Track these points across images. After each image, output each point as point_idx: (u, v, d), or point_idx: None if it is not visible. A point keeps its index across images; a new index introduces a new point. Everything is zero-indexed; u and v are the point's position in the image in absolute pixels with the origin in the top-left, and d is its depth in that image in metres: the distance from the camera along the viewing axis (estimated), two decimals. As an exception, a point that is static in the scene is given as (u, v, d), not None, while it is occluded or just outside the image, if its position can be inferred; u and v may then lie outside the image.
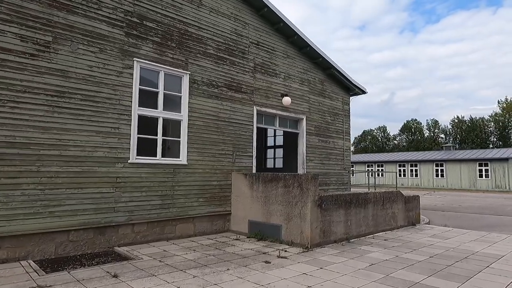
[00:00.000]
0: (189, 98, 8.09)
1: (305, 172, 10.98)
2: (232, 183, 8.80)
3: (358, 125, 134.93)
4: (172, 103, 7.94)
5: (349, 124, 13.09)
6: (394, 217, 9.60)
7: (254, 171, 9.45)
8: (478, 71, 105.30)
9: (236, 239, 7.79)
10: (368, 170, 40.20)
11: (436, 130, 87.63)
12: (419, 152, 42.77)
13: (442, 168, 35.37)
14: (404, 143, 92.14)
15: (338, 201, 7.74)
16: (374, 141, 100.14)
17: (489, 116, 74.54)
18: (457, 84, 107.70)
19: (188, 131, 8.00)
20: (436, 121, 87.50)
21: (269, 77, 10.11)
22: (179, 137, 7.94)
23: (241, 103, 9.25)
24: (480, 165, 33.59)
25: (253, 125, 9.51)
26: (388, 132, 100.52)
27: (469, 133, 74.86)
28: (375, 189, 12.65)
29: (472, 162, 33.90)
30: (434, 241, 7.88)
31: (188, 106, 8.06)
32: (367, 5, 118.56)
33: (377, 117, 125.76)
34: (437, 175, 35.54)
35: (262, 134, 16.44)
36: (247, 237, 8.02)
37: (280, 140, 14.75)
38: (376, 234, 8.64)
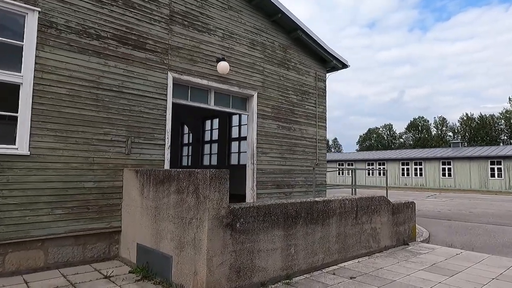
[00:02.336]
0: (38, 50, 5.08)
1: (254, 170, 7.94)
2: (124, 185, 5.80)
3: (364, 124, 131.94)
4: (4, 56, 4.96)
5: (325, 106, 9.99)
6: (375, 235, 6.53)
7: (167, 167, 6.44)
8: (488, 69, 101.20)
9: (106, 277, 4.77)
10: (369, 168, 36.94)
11: (443, 128, 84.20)
12: (424, 149, 39.37)
13: (449, 166, 31.98)
14: (411, 141, 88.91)
15: (271, 216, 4.69)
16: (379, 140, 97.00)
17: (499, 113, 70.82)
18: (466, 82, 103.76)
19: (34, 102, 5.01)
20: (444, 118, 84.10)
21: (197, 33, 7.08)
22: (17, 111, 4.95)
23: (146, 67, 6.24)
24: (492, 163, 30.16)
25: (166, 100, 6.49)
26: (394, 130, 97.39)
27: (479, 131, 71.16)
28: (354, 192, 9.58)
29: (483, 160, 30.47)
30: (433, 281, 4.80)
31: (36, 63, 5.06)
32: (376, 3, 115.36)
33: (385, 115, 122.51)
34: (443, 174, 32.15)
35: (225, 123, 13.49)
36: (129, 272, 5.00)
37: (245, 131, 11.75)
38: (342, 265, 5.57)
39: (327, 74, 10.26)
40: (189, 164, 15.23)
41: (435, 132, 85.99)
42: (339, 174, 39.61)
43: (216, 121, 14.06)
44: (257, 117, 8.07)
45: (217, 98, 7.57)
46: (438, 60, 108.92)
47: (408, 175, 34.43)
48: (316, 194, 9.40)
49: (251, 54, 8.08)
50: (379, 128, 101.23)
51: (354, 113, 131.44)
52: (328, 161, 41.25)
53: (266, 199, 8.05)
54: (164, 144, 6.40)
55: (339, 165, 40.00)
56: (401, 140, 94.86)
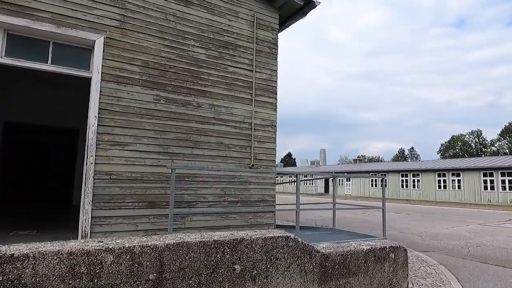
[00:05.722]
0: None
1: (91, 173, 4.36)
2: None
3: (451, 133, 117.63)
4: None
5: (275, 70, 5.99)
6: None
7: None
8: None
9: None
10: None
11: (551, 133, 69.90)
12: (516, 156, 30.90)
13: (553, 178, 23.84)
14: (506, 150, 75.47)
15: None
16: (465, 148, 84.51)
17: None
18: None
19: None
20: (551, 121, 69.81)
21: None
22: None
23: None
24: None
25: None
26: (484, 137, 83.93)
27: None
28: (297, 217, 5.34)
29: None
30: None
31: None
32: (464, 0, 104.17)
33: (477, 122, 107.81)
34: (545, 189, 24.09)
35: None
36: None
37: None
38: None
39: (281, 30, 6.28)
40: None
41: (539, 138, 71.87)
42: (402, 186, 33.06)
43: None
44: (102, 79, 4.52)
45: (16, 46, 4.25)
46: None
47: (493, 189, 26.77)
48: (253, 223, 5.43)
49: (94, -29, 4.62)
50: (465, 135, 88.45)
51: (438, 120, 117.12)
52: (389, 172, 34.87)
53: (117, 227, 4.40)
54: None
55: (402, 176, 33.44)
56: (493, 148, 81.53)
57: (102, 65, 4.52)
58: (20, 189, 11.95)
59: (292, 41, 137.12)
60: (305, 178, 45.36)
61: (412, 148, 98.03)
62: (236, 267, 2.51)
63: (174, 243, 2.30)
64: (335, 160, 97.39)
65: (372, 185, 35.91)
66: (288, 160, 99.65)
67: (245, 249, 2.56)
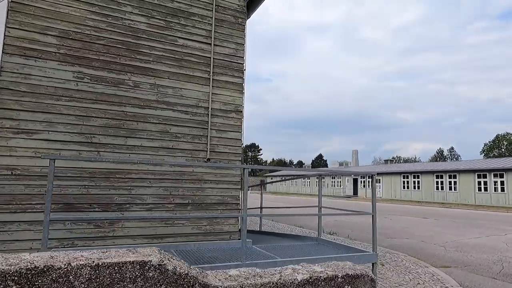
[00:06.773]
0: None
1: (-16, 166, 3.51)
2: None
3: (495, 131, 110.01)
4: None
5: (242, 45, 4.90)
6: None
7: None
8: None
9: None
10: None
11: None
12: None
13: None
14: (560, 148, 69.20)
15: None
16: (512, 148, 78.16)
17: None
18: None
19: None
20: None
21: None
22: None
23: None
24: None
25: None
26: (535, 134, 77.39)
27: None
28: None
29: None
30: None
31: None
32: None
33: None
34: None
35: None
36: None
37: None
38: None
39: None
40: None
41: None
42: (437, 189, 30.43)
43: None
44: (4, 52, 3.67)
45: None
46: None
47: (543, 192, 23.76)
48: (208, 231, 4.39)
49: None
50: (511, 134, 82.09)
51: (482, 119, 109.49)
52: (422, 173, 32.27)
53: (20, 235, 3.52)
54: None
55: (436, 177, 30.79)
56: (546, 147, 75.08)
57: (4, 35, 3.68)
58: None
59: (325, 41, 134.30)
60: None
61: (452, 148, 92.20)
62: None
63: None
64: (369, 162, 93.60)
65: (404, 187, 33.47)
66: (320, 161, 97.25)
67: (53, 284, 1.54)
